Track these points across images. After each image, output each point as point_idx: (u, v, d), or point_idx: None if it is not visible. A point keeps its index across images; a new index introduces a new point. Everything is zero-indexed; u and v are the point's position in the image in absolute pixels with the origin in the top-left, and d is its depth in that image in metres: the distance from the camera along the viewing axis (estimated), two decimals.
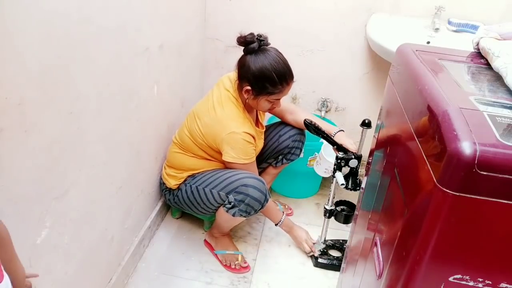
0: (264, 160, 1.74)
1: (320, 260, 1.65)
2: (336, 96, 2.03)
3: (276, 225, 1.65)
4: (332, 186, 1.55)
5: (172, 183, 1.59)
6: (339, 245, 1.72)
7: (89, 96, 1.08)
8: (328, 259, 1.66)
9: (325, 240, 1.68)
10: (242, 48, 1.42)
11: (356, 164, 1.49)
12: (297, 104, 2.06)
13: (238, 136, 1.42)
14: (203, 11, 1.91)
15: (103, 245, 1.31)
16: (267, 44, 1.43)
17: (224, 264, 1.61)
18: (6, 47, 0.77)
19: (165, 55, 1.54)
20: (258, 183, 1.45)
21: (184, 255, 1.65)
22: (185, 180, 1.58)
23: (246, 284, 1.55)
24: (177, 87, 1.74)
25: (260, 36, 1.41)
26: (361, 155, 1.49)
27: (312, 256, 1.67)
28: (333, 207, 1.59)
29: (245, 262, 1.62)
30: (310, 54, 1.94)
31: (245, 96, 1.44)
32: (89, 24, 1.02)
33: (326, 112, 2.06)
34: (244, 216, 1.49)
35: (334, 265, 1.64)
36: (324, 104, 2.04)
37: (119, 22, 1.17)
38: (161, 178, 1.68)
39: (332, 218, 1.61)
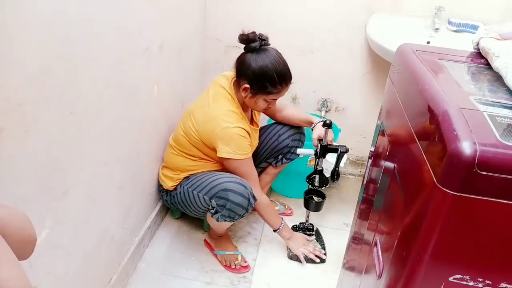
0: (264, 159, 1.73)
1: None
2: (336, 96, 2.03)
3: (274, 231, 1.62)
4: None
5: (168, 184, 1.59)
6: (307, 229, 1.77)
7: (89, 96, 1.08)
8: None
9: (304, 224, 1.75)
10: (243, 46, 1.43)
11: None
12: (297, 104, 2.06)
13: (232, 131, 1.41)
14: (203, 11, 1.91)
15: (103, 245, 1.31)
16: (268, 44, 1.43)
17: (224, 264, 1.61)
18: (7, 47, 0.77)
19: (165, 55, 1.54)
20: (238, 187, 1.41)
21: (184, 255, 1.65)
22: (180, 182, 1.57)
23: (246, 284, 1.55)
24: (177, 87, 1.74)
25: (262, 35, 1.41)
26: (326, 145, 1.53)
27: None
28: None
29: (245, 262, 1.62)
30: (310, 54, 1.94)
31: (243, 94, 1.44)
32: (89, 24, 1.02)
33: (326, 112, 2.06)
34: (229, 221, 1.46)
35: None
36: (324, 104, 2.04)
37: (119, 22, 1.17)
38: (158, 180, 1.68)
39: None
